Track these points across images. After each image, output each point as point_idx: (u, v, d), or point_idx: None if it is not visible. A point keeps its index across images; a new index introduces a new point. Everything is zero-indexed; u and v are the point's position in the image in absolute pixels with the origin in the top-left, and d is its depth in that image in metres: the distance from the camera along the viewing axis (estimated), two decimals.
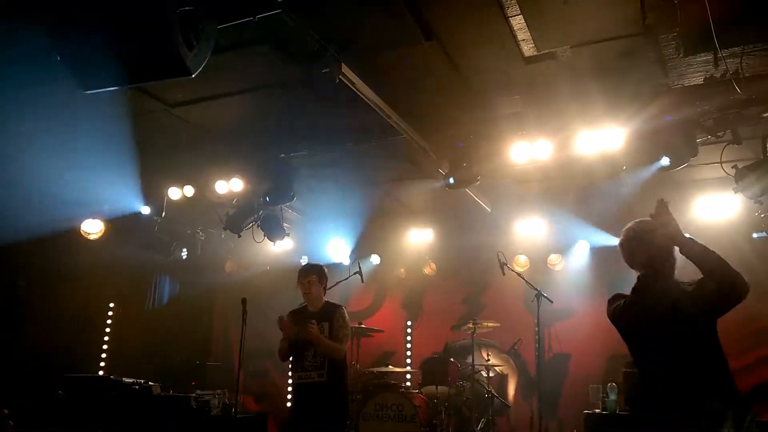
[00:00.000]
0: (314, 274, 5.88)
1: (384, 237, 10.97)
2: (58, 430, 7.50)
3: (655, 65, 5.77)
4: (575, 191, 8.44)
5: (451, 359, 8.95)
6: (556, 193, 8.83)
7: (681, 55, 5.43)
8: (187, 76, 4.09)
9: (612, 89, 6.19)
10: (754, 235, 8.64)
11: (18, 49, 5.22)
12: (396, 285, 11.36)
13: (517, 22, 5.17)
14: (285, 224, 9.43)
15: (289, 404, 10.91)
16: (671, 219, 3.45)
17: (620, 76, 6.00)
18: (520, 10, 4.99)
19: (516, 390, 10.04)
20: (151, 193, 8.97)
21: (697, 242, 3.44)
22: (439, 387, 8.54)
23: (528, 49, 5.60)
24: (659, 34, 5.21)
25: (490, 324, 9.06)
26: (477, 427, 8.48)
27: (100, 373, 10.56)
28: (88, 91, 4.34)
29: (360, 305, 11.15)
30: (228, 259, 11.69)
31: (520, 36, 5.40)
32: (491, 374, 8.90)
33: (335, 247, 11.04)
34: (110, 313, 11.36)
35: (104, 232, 9.67)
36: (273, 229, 9.15)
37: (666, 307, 3.49)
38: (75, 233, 9.59)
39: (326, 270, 6.05)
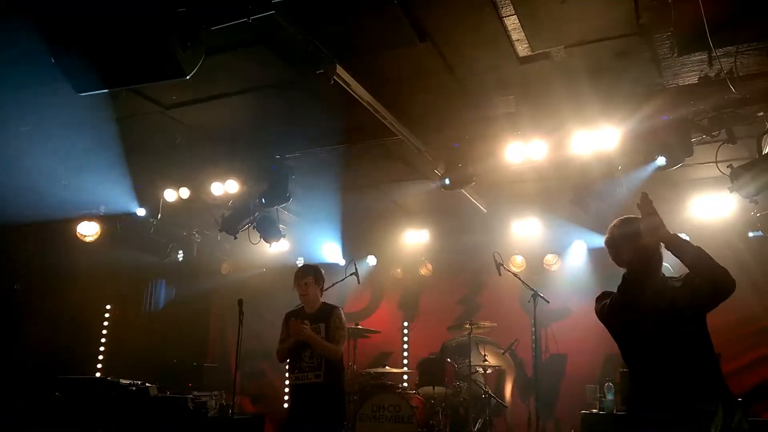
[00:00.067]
0: (311, 275, 5.87)
1: (380, 238, 10.97)
2: None
3: (650, 65, 5.78)
4: (571, 191, 8.45)
5: (448, 359, 8.95)
6: (551, 194, 8.83)
7: (675, 54, 5.43)
8: (181, 77, 4.10)
9: (606, 89, 6.18)
10: (750, 234, 8.64)
11: (17, 50, 5.21)
12: (392, 286, 11.37)
13: (512, 22, 5.17)
14: (281, 225, 9.42)
15: (285, 405, 10.91)
16: (655, 215, 3.43)
17: (615, 75, 6.00)
18: (515, 10, 4.99)
19: (513, 390, 10.03)
20: (147, 195, 8.96)
21: (680, 238, 3.44)
22: (436, 387, 8.53)
23: (522, 49, 5.60)
24: (653, 33, 5.22)
25: (486, 324, 9.06)
26: (474, 427, 8.47)
27: (98, 374, 10.57)
28: (83, 93, 4.35)
29: (357, 306, 11.15)
30: (224, 260, 11.71)
31: (515, 36, 5.40)
32: (488, 370, 8.89)
33: (331, 249, 11.03)
34: (107, 315, 11.36)
35: (100, 235, 9.68)
36: (269, 230, 9.15)
37: (662, 305, 3.48)
38: (71, 235, 9.59)
39: (323, 271, 6.05)
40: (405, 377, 10.26)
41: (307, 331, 5.54)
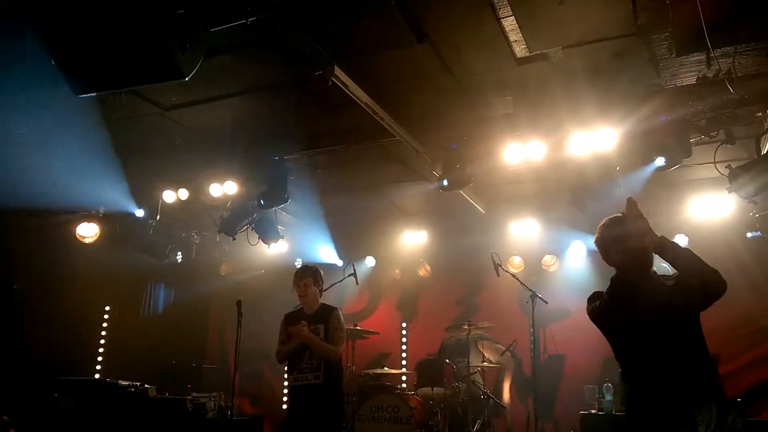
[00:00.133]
0: (310, 276, 5.86)
1: (378, 239, 10.98)
2: None
3: (648, 65, 5.78)
4: (569, 192, 8.45)
5: (446, 360, 8.95)
6: (550, 194, 8.83)
7: (673, 55, 5.43)
8: (180, 79, 4.10)
9: (605, 90, 6.18)
10: (749, 235, 8.64)
11: (16, 51, 5.21)
12: (391, 287, 11.37)
13: (509, 23, 5.17)
14: (279, 227, 9.43)
15: (284, 406, 10.90)
16: (642, 219, 3.45)
17: (613, 76, 6.00)
18: (512, 11, 4.99)
19: (512, 390, 10.03)
20: (146, 196, 8.97)
21: (669, 241, 3.45)
22: (434, 388, 8.54)
23: (520, 50, 5.61)
24: (651, 34, 5.21)
25: (485, 325, 9.07)
26: (473, 428, 8.47)
27: (97, 375, 10.56)
28: (82, 95, 4.35)
29: (355, 307, 11.16)
30: (223, 261, 11.71)
31: (512, 37, 5.40)
32: (486, 364, 8.87)
33: (329, 250, 11.03)
34: (106, 316, 11.35)
35: (99, 236, 9.68)
36: (267, 231, 9.15)
37: (660, 304, 3.48)
38: (71, 236, 9.59)
39: (322, 272, 6.06)
40: (403, 378, 10.25)
41: (306, 332, 5.54)
